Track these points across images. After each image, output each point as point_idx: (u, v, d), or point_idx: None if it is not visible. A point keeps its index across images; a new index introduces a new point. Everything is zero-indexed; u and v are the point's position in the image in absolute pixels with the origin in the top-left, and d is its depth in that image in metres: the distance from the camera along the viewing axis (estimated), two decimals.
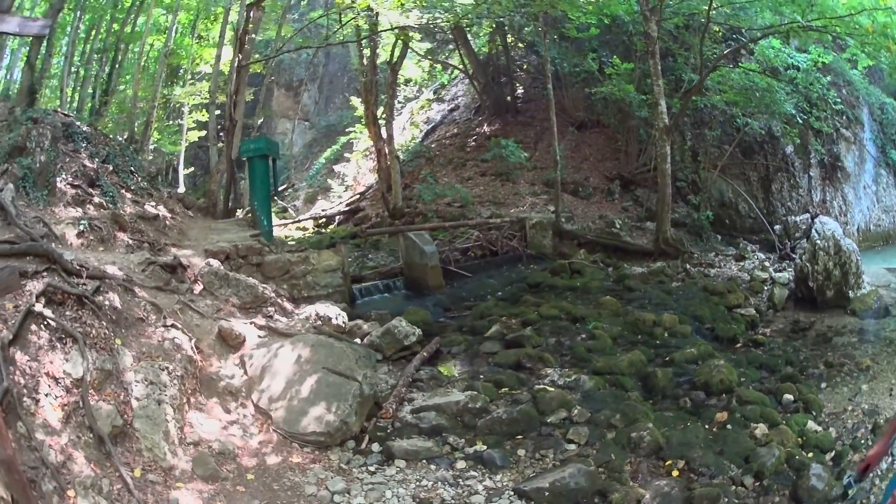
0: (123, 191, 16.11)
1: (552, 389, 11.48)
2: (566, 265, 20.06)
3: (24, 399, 7.03)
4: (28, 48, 18.99)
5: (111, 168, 16.36)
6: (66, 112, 18.48)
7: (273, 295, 13.83)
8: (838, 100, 25.75)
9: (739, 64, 24.53)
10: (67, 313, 8.70)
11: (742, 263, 22.30)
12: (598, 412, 10.59)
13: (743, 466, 8.99)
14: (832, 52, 23.90)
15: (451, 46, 37.24)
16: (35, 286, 8.43)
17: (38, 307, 8.13)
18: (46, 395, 7.31)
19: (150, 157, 25.56)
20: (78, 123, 16.88)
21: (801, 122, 24.52)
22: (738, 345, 14.69)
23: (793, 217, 24.88)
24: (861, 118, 27.90)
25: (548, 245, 22.91)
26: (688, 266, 21.13)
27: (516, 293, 17.84)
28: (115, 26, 26.02)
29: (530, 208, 26.18)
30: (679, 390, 11.71)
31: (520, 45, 35.93)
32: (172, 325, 10.38)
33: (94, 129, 18.33)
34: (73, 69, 25.95)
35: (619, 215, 26.24)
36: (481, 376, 12.35)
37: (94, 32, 25.93)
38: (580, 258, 21.48)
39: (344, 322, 13.82)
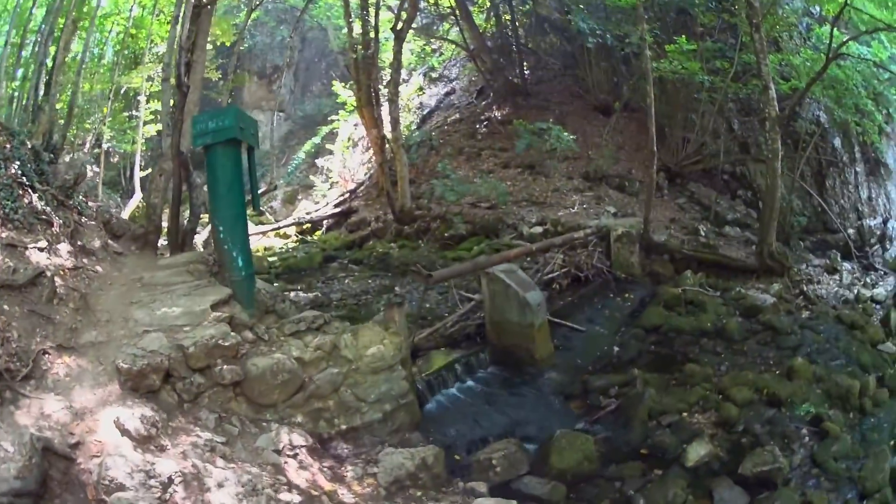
0: None
1: None
2: (679, 296, 13.72)
3: None
4: None
5: None
6: None
7: None
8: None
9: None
10: None
11: (835, 277, 17.17)
12: None
13: None
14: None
15: (445, 25, 30.96)
16: None
17: None
18: None
19: (70, 159, 16.57)
20: None
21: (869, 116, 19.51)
22: None
23: (867, 221, 21.02)
24: None
25: (635, 263, 15.64)
26: (804, 287, 15.67)
27: (644, 349, 11.97)
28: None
29: (583, 210, 19.06)
30: None
31: (521, 20, 29.04)
32: None
33: None
34: (19, 59, 17.77)
35: (680, 215, 19.91)
36: None
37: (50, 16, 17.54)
38: (688, 283, 14.69)
39: None
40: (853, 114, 18.85)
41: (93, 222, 10.44)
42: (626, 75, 24.05)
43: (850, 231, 19.92)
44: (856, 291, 16.11)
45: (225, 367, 6.90)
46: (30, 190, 8.85)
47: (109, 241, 10.19)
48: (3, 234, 7.60)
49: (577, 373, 10.98)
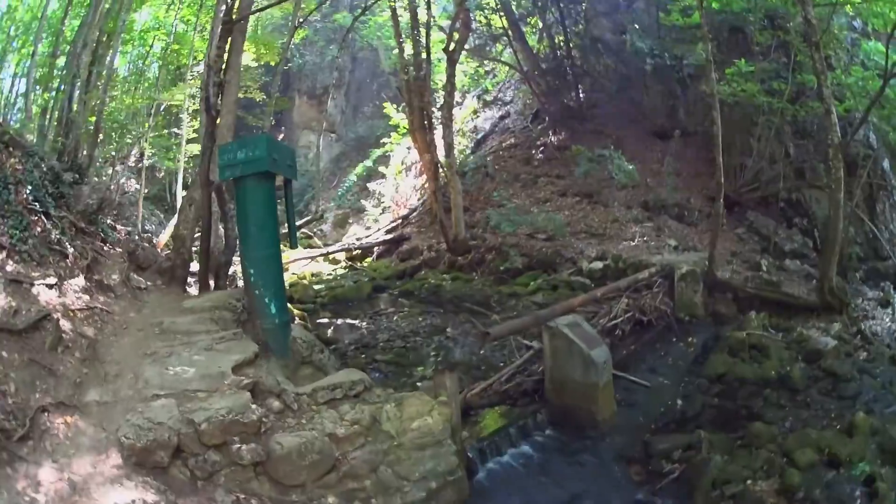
0: None
1: None
2: (744, 341, 12.48)
3: None
4: None
5: None
6: None
7: None
8: None
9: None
10: None
11: (888, 311, 16.64)
12: None
13: None
14: None
15: (498, 46, 29.61)
16: None
17: None
18: None
19: (95, 182, 15.51)
20: None
21: None
22: None
23: None
24: None
25: (699, 303, 14.42)
26: (861, 326, 14.79)
27: (708, 402, 10.86)
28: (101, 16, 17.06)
29: (643, 242, 17.97)
30: None
31: (575, 41, 27.59)
32: None
33: None
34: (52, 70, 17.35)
35: (740, 247, 18.68)
36: None
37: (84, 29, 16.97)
38: (752, 324, 13.35)
39: None
40: None
41: (118, 250, 9.66)
42: (683, 98, 23.22)
43: None
44: None
45: (244, 446, 5.91)
46: (43, 217, 8.07)
47: (132, 275, 9.39)
48: (9, 268, 6.79)
49: (638, 433, 9.93)
